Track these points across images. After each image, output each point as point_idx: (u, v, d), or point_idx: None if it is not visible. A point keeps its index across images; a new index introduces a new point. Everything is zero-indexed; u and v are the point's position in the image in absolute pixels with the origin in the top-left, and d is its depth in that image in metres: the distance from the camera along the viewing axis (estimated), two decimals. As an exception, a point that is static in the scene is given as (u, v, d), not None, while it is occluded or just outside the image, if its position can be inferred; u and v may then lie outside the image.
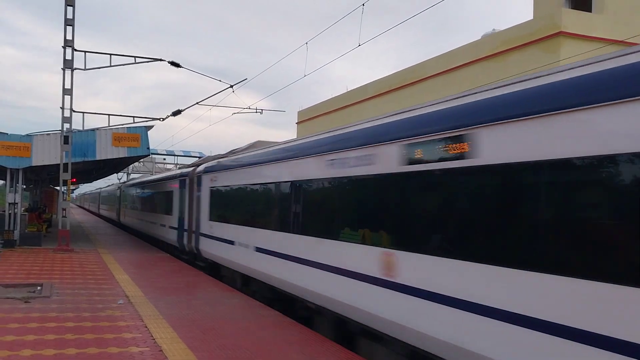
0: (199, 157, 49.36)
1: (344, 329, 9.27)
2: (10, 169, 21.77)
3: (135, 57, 23.75)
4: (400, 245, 7.15)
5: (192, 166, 21.55)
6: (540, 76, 5.59)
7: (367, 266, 7.85)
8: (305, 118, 45.72)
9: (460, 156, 6.18)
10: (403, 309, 6.99)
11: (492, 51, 25.58)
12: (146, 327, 9.32)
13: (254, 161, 13.50)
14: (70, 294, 12.29)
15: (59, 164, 22.03)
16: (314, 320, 10.46)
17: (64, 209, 22.72)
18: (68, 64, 22.01)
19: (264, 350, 8.13)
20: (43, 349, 7.76)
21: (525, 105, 5.42)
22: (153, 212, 27.26)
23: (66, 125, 21.99)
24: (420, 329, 6.66)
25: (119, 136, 22.82)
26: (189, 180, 20.03)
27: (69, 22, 21.80)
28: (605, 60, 4.99)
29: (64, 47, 21.89)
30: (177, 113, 25.70)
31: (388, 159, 7.56)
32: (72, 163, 21.99)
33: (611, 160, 4.53)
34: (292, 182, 10.96)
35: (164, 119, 25.71)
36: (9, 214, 22.43)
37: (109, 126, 23.77)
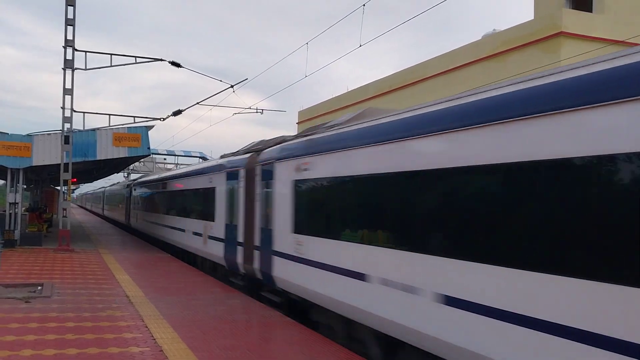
0: (200, 157, 49.35)
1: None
2: (11, 168, 21.80)
3: (135, 57, 23.77)
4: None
5: (249, 152, 14.89)
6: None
7: None
8: (306, 118, 45.73)
9: None
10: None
11: (492, 51, 25.59)
12: (147, 327, 9.32)
13: (416, 130, 7.39)
14: (70, 294, 12.29)
15: (59, 164, 22.04)
16: None
17: (64, 209, 22.73)
18: (69, 64, 22.02)
19: (264, 351, 8.13)
20: (43, 349, 7.76)
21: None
22: (180, 216, 21.34)
23: (67, 125, 22.02)
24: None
25: (120, 136, 22.84)
26: (246, 172, 14.11)
27: (69, 22, 21.82)
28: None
29: (65, 47, 21.91)
30: (177, 113, 25.69)
31: None
32: (72, 163, 22.01)
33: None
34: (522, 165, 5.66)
35: (164, 119, 25.73)
36: (10, 213, 22.45)
37: (109, 126, 23.79)
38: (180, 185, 21.91)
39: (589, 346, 4.69)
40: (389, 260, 7.63)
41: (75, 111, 22.47)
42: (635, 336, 4.32)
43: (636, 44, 5.57)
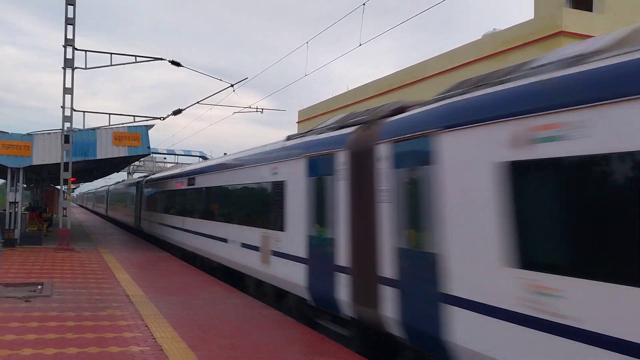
0: (200, 156, 49.33)
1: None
2: (11, 168, 21.81)
3: (135, 56, 23.78)
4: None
5: (343, 127, 9.70)
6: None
7: None
8: (306, 117, 45.73)
9: None
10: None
11: (492, 51, 25.57)
12: (147, 326, 9.32)
13: None
14: (70, 293, 12.30)
15: (59, 163, 22.05)
16: None
17: (64, 209, 22.74)
18: (69, 63, 22.03)
19: (264, 350, 8.14)
20: (43, 348, 7.77)
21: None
22: (219, 221, 16.37)
23: (67, 125, 22.03)
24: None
25: (120, 135, 22.86)
26: (352, 155, 8.92)
27: (69, 22, 21.82)
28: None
29: (65, 46, 21.91)
30: (177, 112, 25.70)
31: None
32: (72, 162, 22.02)
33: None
34: None
35: (164, 118, 25.73)
36: (10, 213, 22.46)
37: (109, 125, 23.81)
38: (219, 180, 16.72)
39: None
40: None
41: (75, 110, 22.49)
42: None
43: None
